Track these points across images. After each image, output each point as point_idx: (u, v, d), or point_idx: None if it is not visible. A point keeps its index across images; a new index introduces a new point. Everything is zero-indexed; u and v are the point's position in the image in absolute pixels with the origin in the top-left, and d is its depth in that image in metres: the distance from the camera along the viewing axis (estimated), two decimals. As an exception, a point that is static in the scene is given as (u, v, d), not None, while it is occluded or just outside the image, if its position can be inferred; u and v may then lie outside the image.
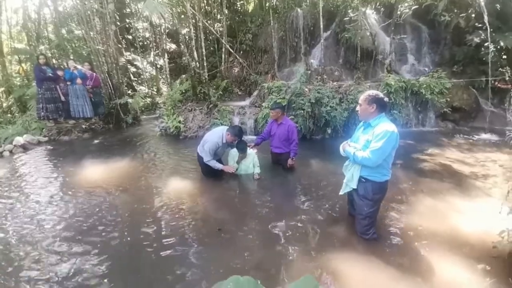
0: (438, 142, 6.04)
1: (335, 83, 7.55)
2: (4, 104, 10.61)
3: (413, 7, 8.02)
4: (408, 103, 7.27)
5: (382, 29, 8.90)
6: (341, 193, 2.76)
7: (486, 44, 6.84)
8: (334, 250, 2.52)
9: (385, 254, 2.44)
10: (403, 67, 9.04)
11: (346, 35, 8.52)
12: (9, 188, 4.04)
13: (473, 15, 7.31)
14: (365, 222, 2.57)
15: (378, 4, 9.88)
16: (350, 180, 2.59)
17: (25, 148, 5.87)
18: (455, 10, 7.70)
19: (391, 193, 3.43)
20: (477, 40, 7.07)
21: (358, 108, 2.50)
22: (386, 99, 2.42)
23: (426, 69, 8.70)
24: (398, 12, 7.98)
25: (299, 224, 2.95)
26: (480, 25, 6.97)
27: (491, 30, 6.61)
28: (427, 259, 2.39)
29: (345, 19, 8.63)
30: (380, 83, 7.09)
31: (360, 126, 2.62)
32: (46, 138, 6.54)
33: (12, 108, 9.80)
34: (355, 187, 2.54)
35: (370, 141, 2.35)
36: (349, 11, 8.92)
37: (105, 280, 2.22)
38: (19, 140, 5.95)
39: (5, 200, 3.66)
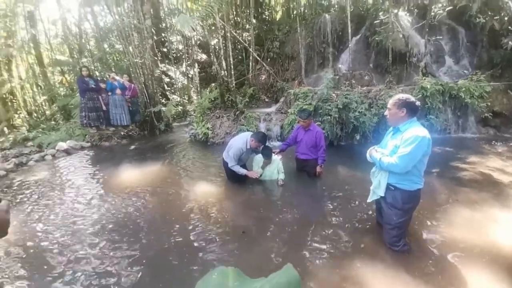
0: (478, 150, 5.59)
1: (364, 88, 7.34)
2: (47, 112, 11.63)
3: (447, 8, 7.61)
4: (446, 107, 6.80)
5: (416, 30, 8.51)
6: (368, 200, 2.66)
7: None
8: (360, 261, 2.43)
9: (415, 268, 2.30)
10: (440, 70, 8.53)
11: (376, 38, 8.27)
12: (48, 189, 4.37)
13: (506, 18, 7.04)
14: (394, 233, 2.44)
15: (411, 5, 9.49)
16: (377, 187, 2.49)
17: (68, 152, 6.44)
18: (489, 12, 7.34)
19: (425, 202, 3.24)
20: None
21: (386, 112, 2.40)
22: (418, 103, 2.29)
23: (466, 71, 8.13)
24: (432, 13, 7.60)
25: (324, 232, 2.89)
26: None
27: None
28: (460, 273, 2.22)
29: (375, 22, 8.40)
30: (414, 87, 6.75)
31: (390, 131, 2.52)
32: (89, 144, 7.11)
33: (55, 116, 10.71)
34: (382, 194, 2.44)
35: (398, 147, 2.25)
36: (380, 13, 8.67)
37: (135, 280, 2.34)
38: (62, 145, 6.55)
39: (44, 201, 3.95)
